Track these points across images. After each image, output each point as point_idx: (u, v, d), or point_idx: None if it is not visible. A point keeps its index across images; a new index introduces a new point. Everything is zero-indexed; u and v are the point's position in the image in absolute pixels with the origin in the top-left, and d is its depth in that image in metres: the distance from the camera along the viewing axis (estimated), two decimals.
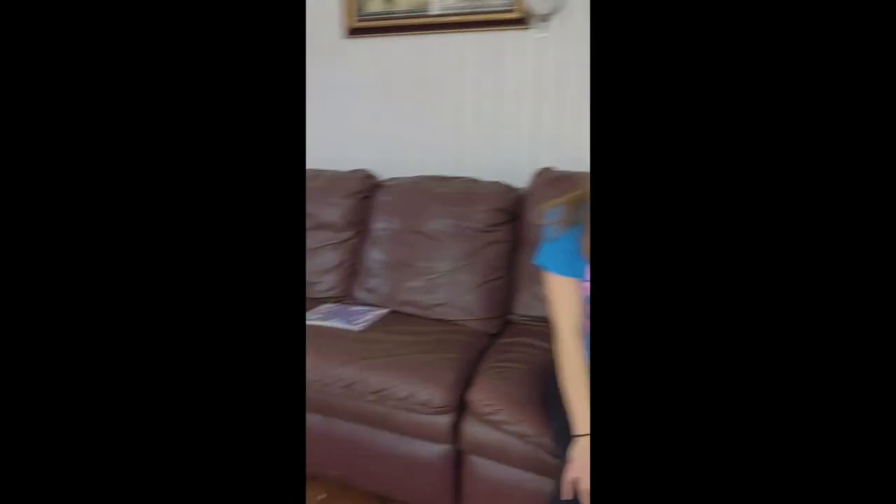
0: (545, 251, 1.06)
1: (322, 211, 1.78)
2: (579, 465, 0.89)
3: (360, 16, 1.88)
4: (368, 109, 1.97)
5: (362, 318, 1.55)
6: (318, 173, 1.85)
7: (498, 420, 1.13)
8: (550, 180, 1.56)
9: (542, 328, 1.33)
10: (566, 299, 1.04)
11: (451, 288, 1.56)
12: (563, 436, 0.98)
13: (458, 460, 1.28)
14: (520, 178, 1.68)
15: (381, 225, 1.71)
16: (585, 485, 0.87)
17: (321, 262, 1.77)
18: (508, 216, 1.59)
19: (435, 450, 1.28)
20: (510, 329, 1.53)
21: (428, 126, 1.90)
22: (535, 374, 1.24)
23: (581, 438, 0.93)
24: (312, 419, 1.36)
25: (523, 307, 1.55)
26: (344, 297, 1.75)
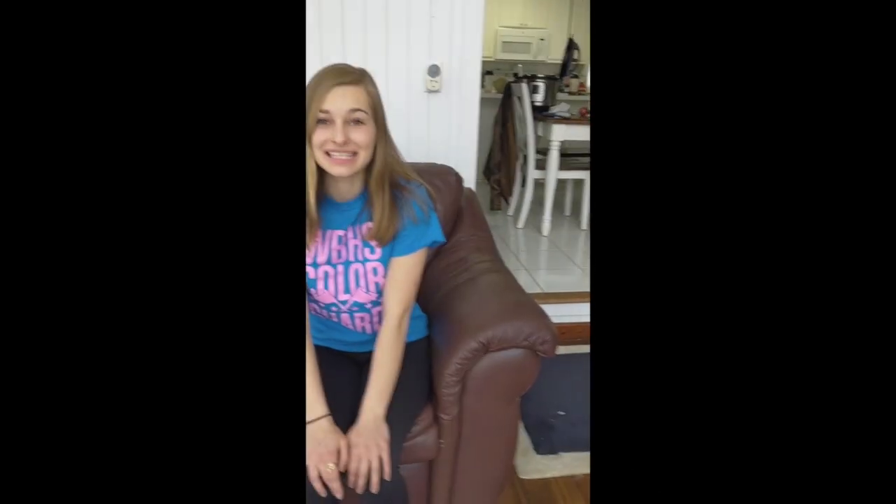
0: None
1: None
2: (308, 452, 0.89)
3: None
4: None
5: None
6: None
7: None
8: None
9: None
10: None
11: None
12: None
13: None
14: None
15: None
16: (314, 472, 0.87)
17: None
18: None
19: None
20: None
21: None
22: None
23: (310, 425, 0.92)
24: None
25: None
26: None
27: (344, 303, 1.07)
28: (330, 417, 0.94)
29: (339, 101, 0.90)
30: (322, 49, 1.59)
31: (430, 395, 1.08)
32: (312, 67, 1.57)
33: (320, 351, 1.05)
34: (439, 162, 1.59)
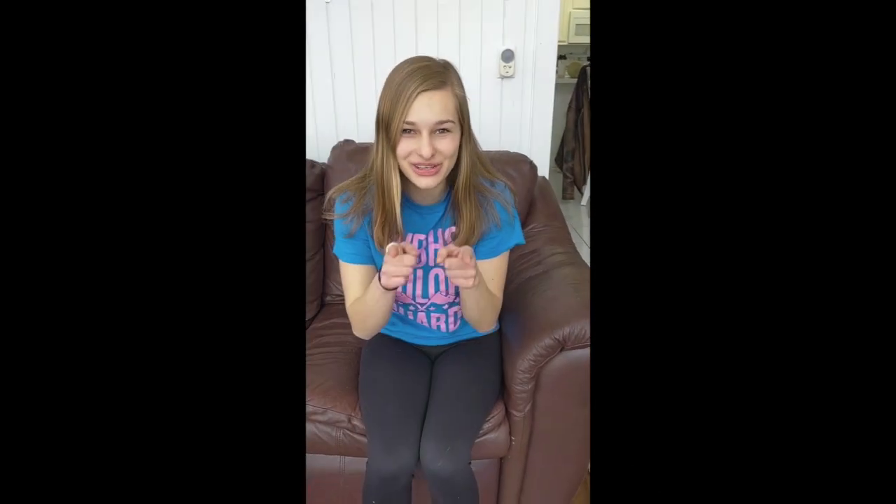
0: (339, 245, 1.00)
1: None
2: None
3: None
4: None
5: None
6: None
7: (307, 413, 1.08)
8: (350, 153, 1.50)
9: None
10: (358, 286, 1.01)
11: None
12: (372, 413, 0.98)
13: None
14: (322, 153, 1.60)
15: None
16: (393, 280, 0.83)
17: None
18: (313, 194, 1.51)
19: None
20: (325, 311, 1.47)
21: None
22: (348, 354, 1.21)
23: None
24: None
25: (337, 286, 1.50)
26: None
27: (422, 304, 1.06)
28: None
29: (425, 112, 0.82)
30: (395, 35, 1.57)
31: (502, 390, 1.06)
32: (386, 53, 1.58)
33: (393, 341, 1.05)
34: (512, 150, 1.55)
